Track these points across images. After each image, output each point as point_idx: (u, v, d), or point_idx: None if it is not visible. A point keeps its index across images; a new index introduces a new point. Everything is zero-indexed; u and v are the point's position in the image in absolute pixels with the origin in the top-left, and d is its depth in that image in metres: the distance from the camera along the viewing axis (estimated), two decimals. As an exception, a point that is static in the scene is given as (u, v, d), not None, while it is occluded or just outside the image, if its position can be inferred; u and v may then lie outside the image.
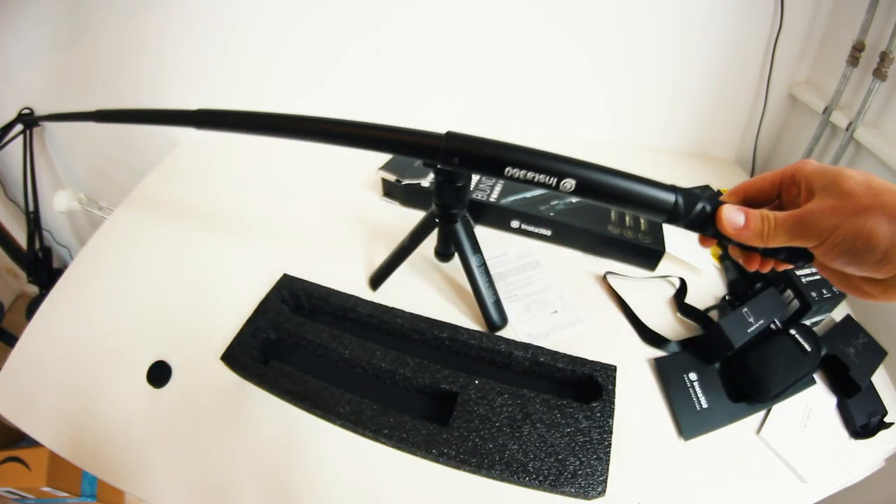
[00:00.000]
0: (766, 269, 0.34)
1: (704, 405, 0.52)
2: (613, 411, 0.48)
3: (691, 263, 0.68)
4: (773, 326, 0.56)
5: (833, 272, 0.30)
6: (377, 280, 0.62)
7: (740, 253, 0.35)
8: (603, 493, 0.43)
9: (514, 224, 0.72)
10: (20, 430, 0.48)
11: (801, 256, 0.32)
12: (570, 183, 0.29)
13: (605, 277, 0.66)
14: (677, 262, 0.68)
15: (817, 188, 0.29)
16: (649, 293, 0.65)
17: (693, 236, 0.34)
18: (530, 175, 0.29)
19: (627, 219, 0.71)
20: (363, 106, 0.94)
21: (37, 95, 0.89)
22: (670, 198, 0.32)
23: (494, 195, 0.73)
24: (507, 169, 0.29)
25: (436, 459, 0.45)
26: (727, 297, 0.63)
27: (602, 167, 0.33)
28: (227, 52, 0.84)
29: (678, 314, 0.62)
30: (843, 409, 0.53)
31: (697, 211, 0.31)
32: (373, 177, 0.78)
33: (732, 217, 0.31)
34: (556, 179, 0.29)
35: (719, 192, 0.78)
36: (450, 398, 0.48)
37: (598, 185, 0.31)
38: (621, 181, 0.32)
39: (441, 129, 0.37)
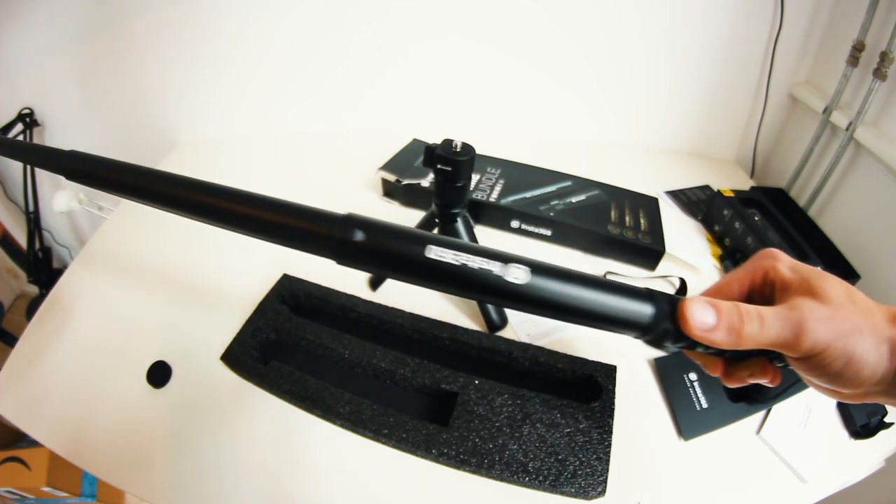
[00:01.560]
0: (734, 383, 0.28)
1: (704, 405, 0.52)
2: (613, 411, 0.48)
3: (691, 263, 0.68)
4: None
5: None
6: (377, 280, 0.62)
7: (701, 356, 0.28)
8: (603, 493, 0.43)
9: (514, 224, 0.72)
10: (20, 430, 0.48)
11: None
12: (521, 273, 0.23)
13: (604, 277, 0.66)
14: (677, 262, 0.68)
15: (794, 289, 0.24)
16: (649, 293, 0.65)
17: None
18: (463, 259, 0.22)
19: (627, 219, 0.71)
20: (363, 105, 0.94)
21: (37, 95, 0.90)
22: (646, 310, 0.24)
23: (494, 195, 0.73)
24: (428, 247, 0.22)
25: (436, 459, 0.45)
26: (727, 297, 0.63)
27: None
28: (231, 52, 0.84)
29: (678, 314, 0.62)
30: (843, 409, 0.53)
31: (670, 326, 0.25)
32: (373, 177, 0.78)
33: (698, 314, 0.24)
34: (499, 266, 0.22)
35: (720, 193, 0.78)
36: (450, 398, 0.48)
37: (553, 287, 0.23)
38: (586, 290, 0.23)
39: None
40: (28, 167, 0.93)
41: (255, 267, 0.62)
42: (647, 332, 0.25)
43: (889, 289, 0.67)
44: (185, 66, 0.85)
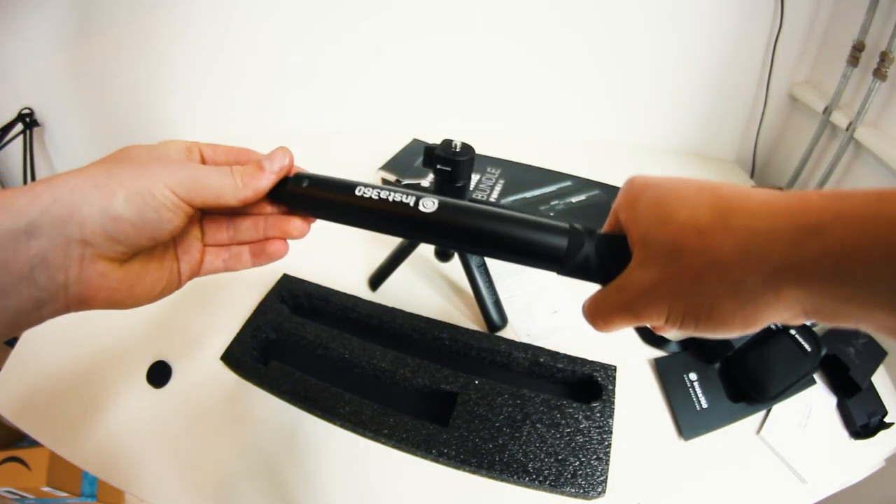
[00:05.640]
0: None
1: (704, 405, 0.52)
2: (613, 411, 0.48)
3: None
4: (772, 326, 0.56)
5: None
6: (377, 280, 0.62)
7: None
8: (603, 493, 0.43)
9: (514, 224, 0.72)
10: (20, 430, 0.48)
11: None
12: (431, 203, 0.26)
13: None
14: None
15: (634, 242, 0.22)
16: (649, 293, 0.65)
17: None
18: (384, 194, 0.26)
19: (627, 219, 0.71)
20: (363, 105, 0.94)
21: (37, 95, 0.89)
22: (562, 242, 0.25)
23: (494, 195, 0.73)
24: (358, 188, 0.27)
25: (436, 459, 0.45)
26: (727, 297, 0.63)
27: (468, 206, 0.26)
28: (225, 50, 0.84)
29: (678, 314, 0.62)
30: (843, 409, 0.53)
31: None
32: (373, 177, 0.78)
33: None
34: (413, 199, 0.26)
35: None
36: (450, 398, 0.48)
37: (460, 216, 0.26)
38: (499, 223, 0.25)
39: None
40: (28, 167, 0.93)
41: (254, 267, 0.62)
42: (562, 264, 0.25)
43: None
44: (182, 64, 0.85)
